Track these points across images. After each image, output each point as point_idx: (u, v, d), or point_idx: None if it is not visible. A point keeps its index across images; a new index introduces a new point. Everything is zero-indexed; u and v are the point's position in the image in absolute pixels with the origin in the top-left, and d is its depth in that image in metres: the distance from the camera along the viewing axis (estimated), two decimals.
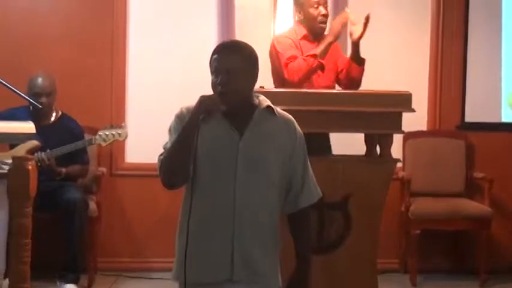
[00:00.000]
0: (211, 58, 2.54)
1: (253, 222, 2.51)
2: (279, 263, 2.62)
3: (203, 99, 2.48)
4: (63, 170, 4.67)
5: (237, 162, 2.50)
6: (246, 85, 2.52)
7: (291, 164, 2.57)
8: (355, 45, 4.12)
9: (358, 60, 4.16)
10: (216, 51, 2.54)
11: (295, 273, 2.59)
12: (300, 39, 4.15)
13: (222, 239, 2.50)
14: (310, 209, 2.65)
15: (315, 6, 4.14)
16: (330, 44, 4.01)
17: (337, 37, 4.06)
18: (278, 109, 2.61)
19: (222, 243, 2.50)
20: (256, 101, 2.57)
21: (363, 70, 4.19)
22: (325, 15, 4.17)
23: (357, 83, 4.18)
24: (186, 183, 2.55)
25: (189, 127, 2.47)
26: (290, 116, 2.62)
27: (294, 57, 3.98)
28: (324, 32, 4.19)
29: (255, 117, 2.53)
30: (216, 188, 2.52)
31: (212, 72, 2.52)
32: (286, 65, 3.96)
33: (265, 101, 2.58)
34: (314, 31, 4.17)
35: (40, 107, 4.42)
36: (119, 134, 4.69)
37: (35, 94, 4.70)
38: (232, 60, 2.49)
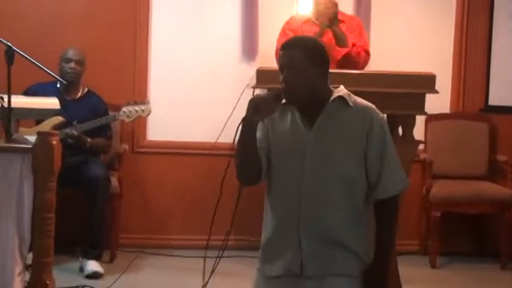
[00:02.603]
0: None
1: (319, 216, 2.48)
2: (363, 255, 2.53)
3: (252, 100, 2.48)
4: (89, 139, 4.72)
5: (305, 156, 2.49)
6: (310, 80, 2.47)
7: (366, 155, 2.50)
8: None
9: (338, 42, 4.22)
10: (280, 48, 2.54)
11: (373, 264, 2.52)
12: (303, 23, 4.17)
13: (291, 234, 2.51)
14: (391, 202, 2.54)
15: None
16: (325, 27, 4.06)
17: (331, 20, 4.11)
18: (357, 98, 2.55)
19: (291, 238, 2.51)
20: (331, 92, 2.54)
21: (352, 49, 4.23)
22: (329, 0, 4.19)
23: (354, 64, 4.23)
24: (259, 182, 2.59)
25: (245, 129, 2.48)
26: (368, 104, 2.55)
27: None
28: (327, 17, 4.21)
29: (326, 110, 2.50)
30: (286, 183, 2.53)
31: (279, 69, 2.53)
32: (276, 51, 4.03)
33: (339, 92, 2.53)
34: (317, 15, 4.19)
35: (66, 83, 4.47)
36: (142, 110, 4.72)
37: (66, 60, 4.82)
38: (293, 57, 2.47)
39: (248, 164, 2.53)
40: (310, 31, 4.07)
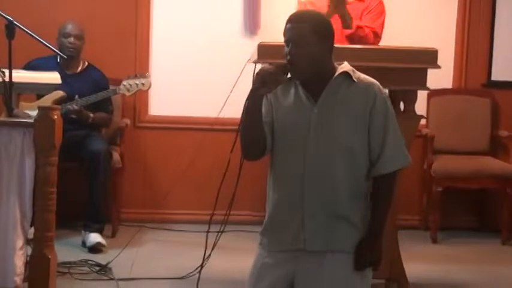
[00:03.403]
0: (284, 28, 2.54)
1: (323, 191, 2.48)
2: (363, 230, 2.53)
3: (259, 73, 2.47)
4: (91, 114, 4.73)
5: (309, 130, 2.49)
6: (315, 54, 2.47)
7: (369, 130, 2.50)
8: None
9: (344, 25, 4.21)
10: (286, 21, 2.52)
11: (364, 241, 2.52)
12: None
13: (294, 208, 2.51)
14: (390, 179, 2.54)
15: None
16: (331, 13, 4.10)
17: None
18: (361, 74, 2.55)
19: (295, 212, 2.51)
20: (336, 68, 2.53)
21: (357, 29, 4.24)
22: None
23: (363, 41, 4.27)
24: (262, 156, 2.58)
25: (250, 102, 2.48)
26: (372, 80, 2.55)
27: None
28: None
29: (331, 85, 2.50)
30: (290, 158, 2.52)
31: (284, 42, 2.51)
32: None
33: (343, 68, 2.53)
34: None
35: (66, 57, 4.46)
36: (143, 84, 4.72)
37: (65, 35, 4.81)
38: (299, 31, 2.46)
39: (253, 138, 2.53)
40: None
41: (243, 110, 2.52)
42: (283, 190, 2.55)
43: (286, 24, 2.51)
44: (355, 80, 2.52)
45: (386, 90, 2.65)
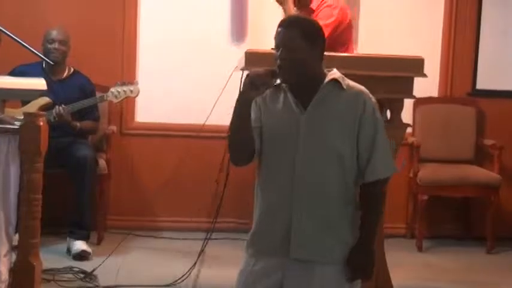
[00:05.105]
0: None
1: (313, 198, 2.48)
2: (352, 240, 2.51)
3: (248, 77, 2.46)
4: (78, 124, 4.72)
5: (298, 137, 2.48)
6: (305, 59, 2.47)
7: (357, 138, 2.49)
8: None
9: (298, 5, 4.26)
10: (278, 25, 2.53)
11: (356, 248, 2.50)
12: None
13: (282, 217, 2.50)
14: (379, 185, 2.54)
15: None
16: None
17: None
18: (350, 82, 2.55)
19: (282, 220, 2.50)
20: (325, 75, 2.53)
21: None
22: None
23: None
24: (250, 162, 2.57)
25: (240, 105, 2.47)
26: (361, 88, 2.55)
27: None
28: None
29: (320, 92, 2.50)
30: (278, 165, 2.51)
31: (274, 47, 2.51)
32: None
33: (333, 75, 2.53)
34: None
35: (52, 63, 4.45)
36: (131, 91, 4.70)
37: (50, 41, 4.79)
38: (290, 35, 2.46)
39: (242, 142, 2.52)
40: None
41: (232, 114, 2.51)
42: (272, 197, 2.54)
43: (277, 28, 2.52)
44: (344, 87, 2.52)
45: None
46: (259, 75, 2.46)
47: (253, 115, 2.53)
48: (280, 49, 2.48)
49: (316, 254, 2.49)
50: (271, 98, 2.56)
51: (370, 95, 2.55)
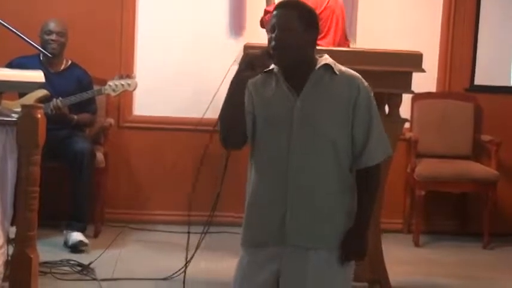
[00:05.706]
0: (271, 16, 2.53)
1: (307, 184, 2.47)
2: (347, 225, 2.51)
3: (247, 55, 2.46)
4: (75, 117, 4.71)
5: (292, 122, 2.47)
6: (299, 43, 2.46)
7: (352, 123, 2.48)
8: None
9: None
10: (275, 7, 2.52)
11: (351, 232, 2.51)
12: None
13: (276, 204, 2.49)
14: (375, 170, 2.53)
15: None
16: None
17: None
18: (342, 67, 2.54)
19: (277, 207, 2.49)
20: (317, 60, 2.53)
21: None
22: None
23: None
24: (242, 145, 2.54)
25: (235, 84, 2.45)
26: (354, 73, 2.54)
27: (267, 11, 4.24)
28: None
29: (313, 77, 2.49)
30: (272, 151, 2.50)
31: (269, 29, 2.50)
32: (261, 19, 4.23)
33: (325, 60, 2.53)
34: None
35: (50, 55, 4.44)
36: (128, 84, 4.70)
37: (47, 32, 4.77)
38: (286, 18, 2.45)
39: (234, 122, 2.49)
40: None
41: (227, 93, 2.48)
42: (266, 183, 2.52)
43: (274, 10, 2.51)
44: (337, 72, 2.51)
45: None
46: (257, 55, 2.44)
47: (245, 99, 2.51)
48: (276, 29, 2.46)
49: (312, 240, 2.49)
50: (263, 84, 2.53)
51: (364, 80, 2.54)
